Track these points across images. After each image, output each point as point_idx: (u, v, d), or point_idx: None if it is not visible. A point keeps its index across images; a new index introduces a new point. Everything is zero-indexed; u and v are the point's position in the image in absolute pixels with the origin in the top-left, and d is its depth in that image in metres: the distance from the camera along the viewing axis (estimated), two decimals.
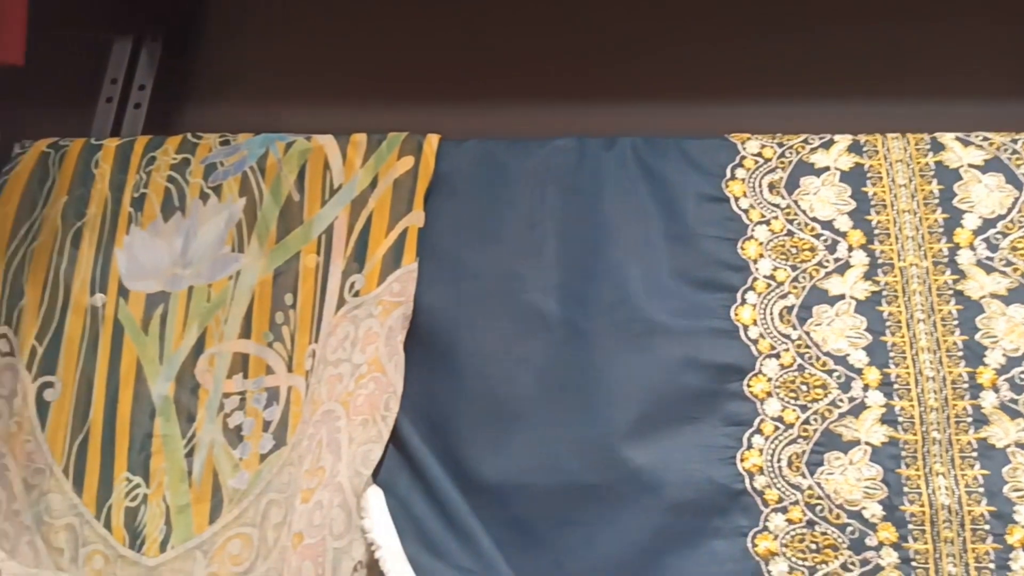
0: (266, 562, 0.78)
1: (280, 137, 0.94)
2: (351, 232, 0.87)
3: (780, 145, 0.86)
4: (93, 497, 0.84)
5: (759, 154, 0.86)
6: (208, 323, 0.87)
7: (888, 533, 0.72)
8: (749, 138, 0.87)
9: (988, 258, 0.79)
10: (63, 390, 0.87)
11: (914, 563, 0.71)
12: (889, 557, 0.71)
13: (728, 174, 0.85)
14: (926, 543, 0.71)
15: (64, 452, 0.85)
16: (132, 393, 0.85)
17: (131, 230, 0.92)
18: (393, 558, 0.69)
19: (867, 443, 0.74)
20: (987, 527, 0.71)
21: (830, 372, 0.77)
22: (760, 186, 0.84)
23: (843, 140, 0.85)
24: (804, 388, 0.76)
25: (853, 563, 0.71)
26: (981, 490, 0.72)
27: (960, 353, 0.76)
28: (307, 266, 0.87)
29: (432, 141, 0.90)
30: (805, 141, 0.86)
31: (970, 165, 0.82)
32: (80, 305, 0.89)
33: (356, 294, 0.84)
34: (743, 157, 0.86)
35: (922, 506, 0.72)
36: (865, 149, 0.85)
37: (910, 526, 0.72)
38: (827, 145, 0.85)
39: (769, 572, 0.72)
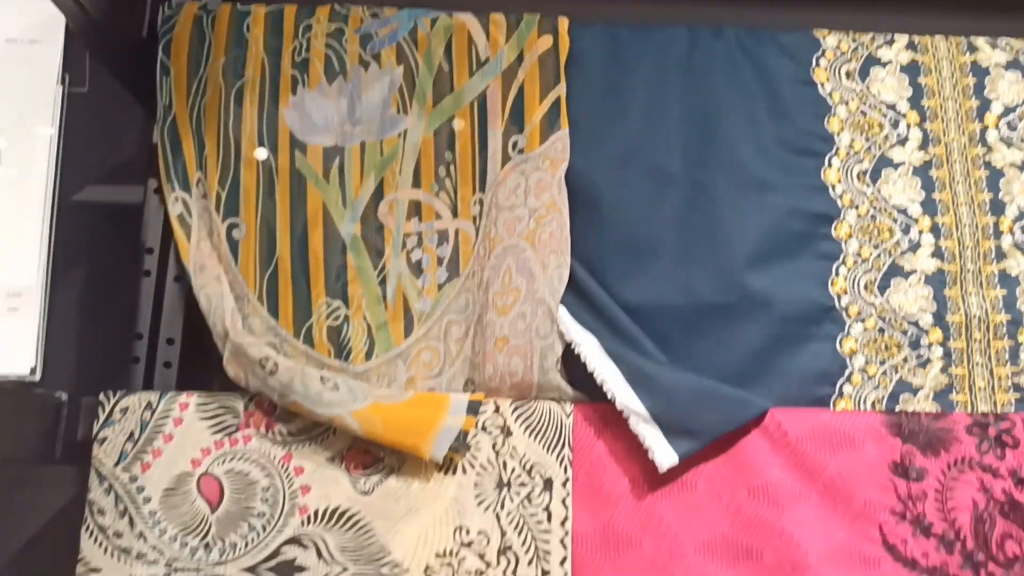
0: (452, 368, 1.17)
1: (424, 12, 1.29)
2: (505, 100, 1.24)
3: (854, 41, 1.30)
4: (290, 320, 1.19)
5: (837, 47, 1.30)
6: (384, 174, 1.23)
7: (936, 335, 1.19)
8: (829, 33, 1.30)
9: (1008, 136, 1.26)
10: (247, 231, 1.20)
11: (953, 356, 1.18)
12: (936, 352, 1.18)
13: (814, 63, 1.28)
14: (962, 342, 1.19)
15: (256, 283, 1.20)
16: (322, 232, 1.20)
17: (298, 91, 1.25)
18: (592, 351, 1.10)
19: (922, 271, 1.21)
20: (1004, 330, 1.19)
21: (895, 220, 1.23)
22: (839, 73, 1.28)
23: (902, 39, 1.30)
24: (876, 232, 1.22)
25: (910, 357, 1.18)
26: (1001, 304, 1.20)
27: (988, 207, 1.23)
28: (460, 128, 1.24)
29: (563, 23, 1.28)
30: (873, 38, 1.30)
31: (996, 64, 1.29)
32: (251, 158, 1.23)
33: (520, 151, 1.22)
34: (825, 49, 1.29)
35: (960, 316, 1.19)
36: (919, 47, 1.30)
37: (951, 330, 1.19)
38: (890, 43, 1.30)
39: (851, 364, 1.18)
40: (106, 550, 0.98)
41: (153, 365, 1.15)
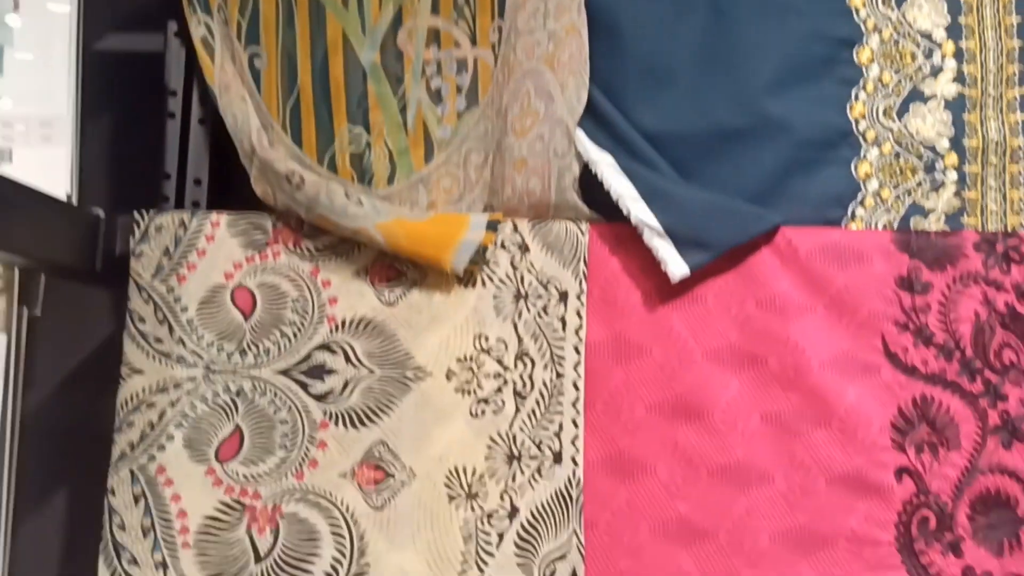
0: (471, 194, 1.23)
1: None
2: None
3: None
4: (313, 148, 1.25)
5: None
6: (403, 1, 1.25)
7: (951, 159, 1.22)
8: None
9: None
10: (268, 60, 1.25)
11: (967, 180, 1.22)
12: (950, 176, 1.22)
13: None
14: (977, 166, 1.22)
15: (279, 112, 1.25)
16: (342, 60, 1.24)
17: None
18: (608, 168, 1.15)
19: (942, 96, 1.23)
20: (1021, 154, 1.22)
21: (918, 45, 1.24)
22: None
23: None
24: (898, 57, 1.24)
25: (924, 181, 1.22)
26: (1020, 128, 1.23)
27: (1015, 30, 1.24)
28: None
29: None
30: None
31: None
32: None
33: None
34: None
35: (977, 141, 1.22)
36: None
37: (967, 155, 1.23)
38: None
39: (865, 188, 1.22)
40: (148, 354, 1.07)
41: (182, 205, 1.21)
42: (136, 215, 1.12)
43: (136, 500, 1.04)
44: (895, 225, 1.19)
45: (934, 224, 1.19)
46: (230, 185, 1.25)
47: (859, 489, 1.07)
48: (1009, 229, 1.19)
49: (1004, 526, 1.08)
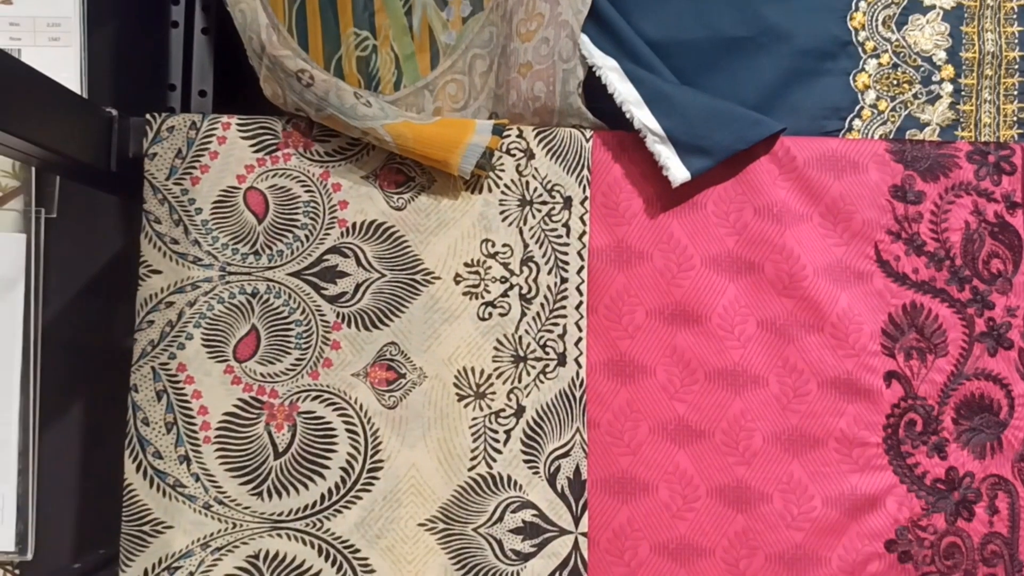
0: (476, 102, 1.21)
1: None
2: None
3: None
4: (320, 53, 1.22)
5: None
6: None
7: (948, 71, 1.21)
8: None
9: None
10: None
11: (963, 92, 1.21)
12: (946, 88, 1.21)
13: None
14: (973, 79, 1.21)
15: (285, 16, 1.21)
16: None
17: None
18: (613, 73, 1.13)
19: (940, 7, 1.21)
20: (1017, 66, 1.21)
21: None
22: None
23: None
24: None
25: (920, 93, 1.21)
26: (1016, 41, 1.21)
27: None
28: None
29: None
30: None
31: None
32: None
33: None
34: None
35: (974, 53, 1.21)
36: None
37: (963, 67, 1.22)
38: None
39: (863, 99, 1.21)
40: (164, 254, 1.07)
41: None
42: (148, 116, 1.10)
43: (158, 396, 1.05)
44: (891, 137, 1.18)
45: (929, 136, 1.19)
46: (234, 99, 1.23)
47: (849, 392, 1.09)
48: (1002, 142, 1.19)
49: (987, 430, 1.11)
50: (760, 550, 1.07)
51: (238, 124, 1.10)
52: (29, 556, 1.17)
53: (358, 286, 1.08)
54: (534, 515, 1.06)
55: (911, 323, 1.11)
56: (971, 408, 1.11)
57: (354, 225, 1.09)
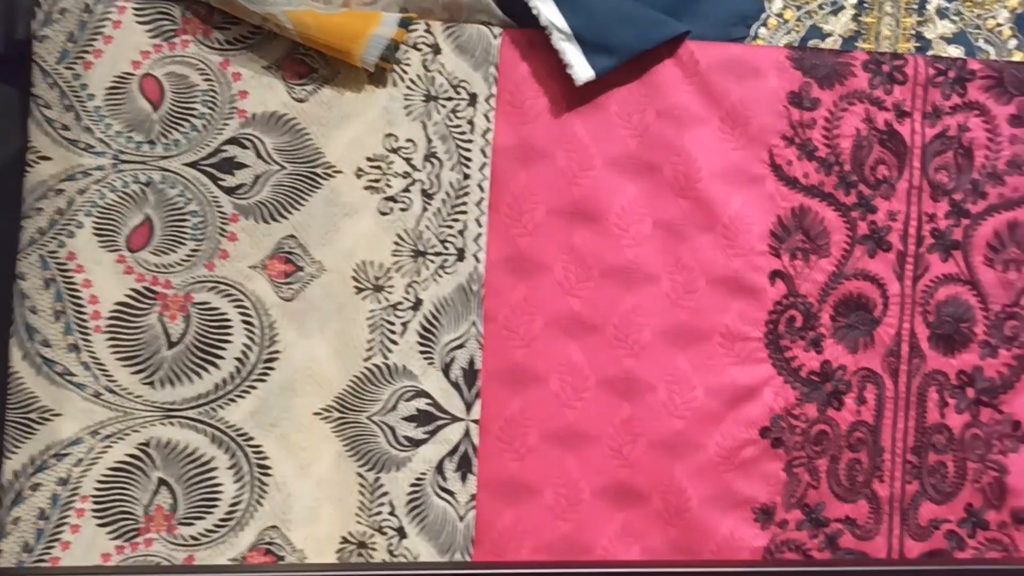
0: None
1: None
2: None
3: None
4: None
5: None
6: None
7: None
8: None
9: None
10: None
11: (865, 4, 1.17)
12: (850, 0, 1.17)
13: None
14: None
15: None
16: None
17: None
18: None
19: None
20: None
21: None
22: None
23: None
24: None
25: (826, 3, 1.16)
26: None
27: None
28: None
29: None
30: None
31: None
32: None
33: None
34: None
35: None
36: None
37: None
38: None
39: (769, 8, 1.16)
40: (54, 141, 0.98)
41: None
42: None
43: (47, 284, 0.98)
44: (796, 46, 1.14)
45: (831, 47, 1.15)
46: None
47: (735, 290, 1.08)
48: None
49: (861, 327, 1.11)
50: (643, 436, 1.06)
51: (134, 8, 1.01)
52: None
53: (257, 178, 1.02)
54: (428, 403, 1.03)
55: (798, 225, 1.09)
56: (848, 306, 1.10)
57: (254, 116, 1.01)
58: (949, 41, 1.17)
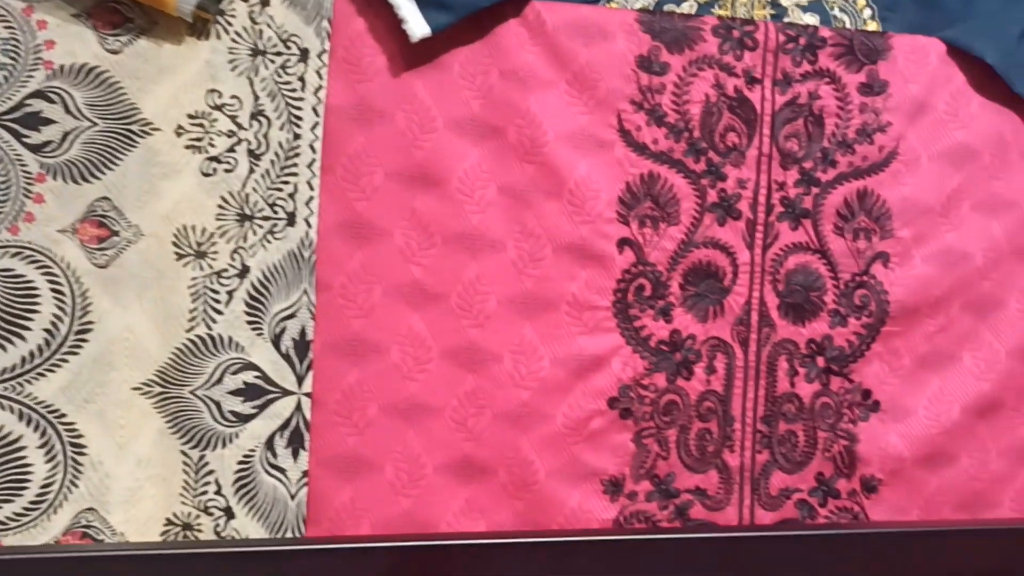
0: None
1: None
2: None
3: None
4: None
5: None
6: None
7: None
8: None
9: None
10: None
11: None
12: None
13: None
14: None
15: None
16: None
17: None
18: None
19: None
20: None
21: None
22: None
23: None
24: None
25: None
26: None
27: None
28: None
29: None
30: None
31: None
32: None
33: None
34: None
35: None
36: None
37: None
38: None
39: None
40: None
41: None
42: None
43: None
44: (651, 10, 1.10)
45: (687, 12, 1.12)
46: None
47: (583, 258, 1.04)
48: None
49: (711, 295, 1.08)
50: (488, 408, 1.02)
51: None
52: None
53: (66, 135, 0.93)
54: (256, 376, 0.97)
55: (647, 192, 1.05)
56: (698, 274, 1.07)
57: (62, 67, 0.92)
58: (804, 9, 1.15)
